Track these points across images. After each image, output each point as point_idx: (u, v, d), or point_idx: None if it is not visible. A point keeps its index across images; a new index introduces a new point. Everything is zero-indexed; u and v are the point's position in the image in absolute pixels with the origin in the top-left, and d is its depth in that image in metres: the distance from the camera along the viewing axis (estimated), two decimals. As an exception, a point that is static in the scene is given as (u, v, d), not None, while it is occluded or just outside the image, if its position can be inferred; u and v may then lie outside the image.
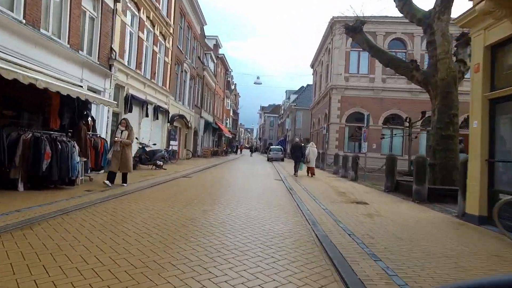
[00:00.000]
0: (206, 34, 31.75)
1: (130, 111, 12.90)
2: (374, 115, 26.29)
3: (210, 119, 33.94)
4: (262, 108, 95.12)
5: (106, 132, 11.31)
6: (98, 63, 10.60)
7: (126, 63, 12.94)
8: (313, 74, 40.37)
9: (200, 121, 29.11)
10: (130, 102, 12.80)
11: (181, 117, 21.19)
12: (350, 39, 26.81)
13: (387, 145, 26.93)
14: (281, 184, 12.40)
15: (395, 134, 24.62)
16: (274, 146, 35.79)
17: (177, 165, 17.43)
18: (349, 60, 26.86)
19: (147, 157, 13.56)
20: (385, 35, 26.43)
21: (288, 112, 51.37)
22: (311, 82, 49.57)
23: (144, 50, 14.90)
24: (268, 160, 33.91)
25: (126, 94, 12.82)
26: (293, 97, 49.67)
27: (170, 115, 18.83)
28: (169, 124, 18.75)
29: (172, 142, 20.44)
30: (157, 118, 16.52)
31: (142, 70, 14.87)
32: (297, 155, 17.14)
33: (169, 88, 18.70)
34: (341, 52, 26.74)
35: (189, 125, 24.45)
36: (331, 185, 12.55)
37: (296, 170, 16.87)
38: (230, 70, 42.96)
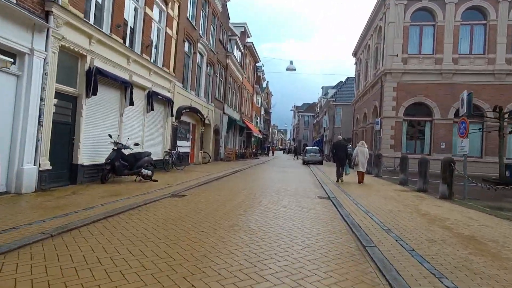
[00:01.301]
0: (232, 21, 27.18)
1: (95, 93, 8.37)
2: (442, 106, 20.08)
3: (236, 116, 29.27)
4: (296, 107, 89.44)
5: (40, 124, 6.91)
6: (16, 3, 6.11)
7: (88, 19, 8.43)
8: (355, 63, 34.37)
9: (222, 117, 24.50)
10: (94, 79, 8.27)
11: (194, 110, 16.61)
12: (409, 10, 20.87)
13: (456, 144, 20.53)
14: (331, 210, 7.22)
15: (476, 130, 18.31)
16: (311, 147, 30.34)
17: (184, 173, 12.83)
18: (408, 38, 20.84)
19: (124, 164, 8.97)
20: (458, 3, 20.11)
21: (326, 109, 45.51)
22: (349, 76, 43.40)
23: (128, 9, 10.39)
24: (303, 163, 28.58)
25: (90, 67, 8.32)
26: (331, 92, 43.80)
27: (175, 107, 14.27)
28: (173, 118, 14.18)
29: (181, 143, 15.91)
30: (152, 109, 11.97)
31: (125, 38, 10.37)
32: (341, 156, 13.41)
33: (174, 71, 14.16)
34: (398, 27, 20.78)
35: (207, 121, 19.86)
36: (417, 209, 7.15)
37: (339, 176, 13.28)
38: (260, 62, 38.21)
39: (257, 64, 45.81)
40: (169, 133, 13.98)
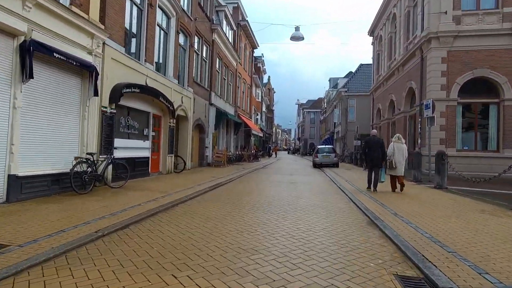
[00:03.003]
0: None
1: None
2: (514, 81, 13.96)
3: (229, 109, 23.33)
4: (300, 105, 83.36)
5: None
6: None
7: None
8: (372, 44, 28.27)
9: (209, 110, 18.58)
10: None
11: (151, 93, 10.70)
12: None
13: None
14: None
15: None
16: (323, 146, 24.27)
17: (109, 197, 6.90)
18: (460, -11, 14.75)
19: None
20: None
21: (336, 102, 39.39)
22: (362, 63, 37.34)
23: None
24: (314, 166, 22.57)
25: None
26: (341, 82, 37.67)
27: (107, 82, 8.37)
28: (103, 100, 8.28)
29: (129, 143, 10.01)
30: (30, 76, 6.04)
31: None
32: (375, 156, 9.24)
33: (102, 21, 8.25)
34: (445, -26, 14.69)
35: (180, 112, 13.96)
36: None
37: (371, 182, 9.33)
38: (258, 47, 32.29)
39: (256, 56, 39.96)
40: (94, 125, 8.05)
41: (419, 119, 15.74)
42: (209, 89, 18.64)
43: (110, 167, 8.22)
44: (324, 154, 22.17)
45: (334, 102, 40.53)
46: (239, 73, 26.46)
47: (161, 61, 12.48)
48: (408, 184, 11.38)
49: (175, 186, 9.19)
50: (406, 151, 9.28)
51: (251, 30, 28.91)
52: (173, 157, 13.24)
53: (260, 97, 38.82)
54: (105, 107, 8.37)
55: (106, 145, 8.37)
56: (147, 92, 10.49)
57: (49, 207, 5.74)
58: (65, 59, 6.80)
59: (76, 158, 7.07)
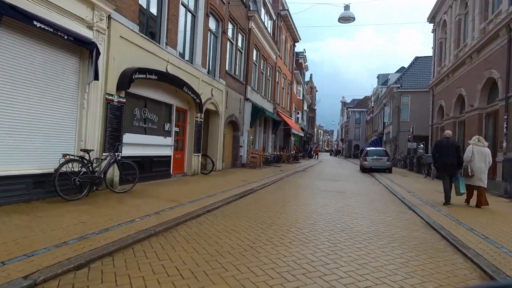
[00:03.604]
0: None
1: None
2: None
3: (268, 106, 21.42)
4: (344, 104, 79.05)
5: None
6: None
7: None
8: (433, 31, 24.60)
9: (244, 105, 16.83)
10: None
11: (172, 81, 9.12)
12: None
13: None
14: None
15: None
16: (373, 148, 21.36)
17: (103, 204, 5.23)
18: None
19: None
20: None
21: (386, 100, 35.70)
22: (417, 56, 33.36)
23: None
24: (363, 170, 19.86)
25: None
26: (393, 77, 33.95)
27: (116, 64, 6.86)
28: (107, 85, 6.78)
29: (145, 139, 8.50)
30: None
31: None
32: (451, 162, 7.37)
33: (107, -10, 6.74)
34: None
35: (210, 106, 12.32)
36: None
37: (448, 195, 7.37)
38: (300, 40, 29.95)
39: (298, 51, 37.66)
40: (95, 116, 6.57)
41: (505, 116, 12.50)
42: (245, 83, 16.87)
43: (114, 167, 6.67)
44: (375, 157, 19.35)
45: (384, 100, 36.81)
46: (279, 68, 24.45)
47: (187, 46, 10.90)
48: (496, 200, 8.62)
49: (194, 193, 7.45)
50: (490, 156, 7.41)
51: (293, 21, 26.74)
52: (200, 156, 11.60)
53: (301, 95, 36.44)
54: (111, 95, 6.86)
55: (112, 141, 6.86)
56: (168, 80, 8.91)
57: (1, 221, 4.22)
58: (51, 30, 5.33)
59: (64, 155, 5.57)
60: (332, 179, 13.68)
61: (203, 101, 11.35)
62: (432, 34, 24.83)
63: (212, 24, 12.56)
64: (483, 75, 14.90)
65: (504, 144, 12.60)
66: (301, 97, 36.33)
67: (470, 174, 7.18)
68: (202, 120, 11.64)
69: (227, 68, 14.30)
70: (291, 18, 26.04)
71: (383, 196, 9.16)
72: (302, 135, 34.68)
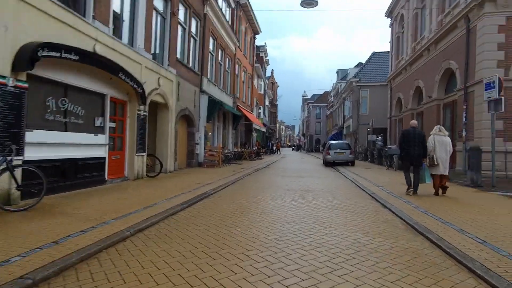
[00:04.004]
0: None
1: None
2: None
3: (227, 100, 19.98)
4: (305, 99, 79.75)
5: None
6: None
7: None
8: (391, 26, 24.69)
9: (200, 98, 15.27)
10: None
11: (103, 64, 7.36)
12: None
13: None
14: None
15: None
16: (336, 142, 20.84)
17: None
18: None
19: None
20: None
21: (346, 94, 35.86)
22: (375, 51, 33.82)
23: None
24: (326, 164, 19.30)
25: None
26: (352, 72, 34.10)
27: (13, 35, 5.03)
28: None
29: (57, 137, 6.68)
30: None
31: None
32: (416, 153, 7.52)
33: None
34: None
35: (157, 97, 10.65)
36: None
37: (411, 183, 7.63)
38: (260, 32, 28.76)
39: (258, 45, 36.53)
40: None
41: (464, 106, 12.29)
42: (200, 73, 15.29)
43: (7, 176, 4.90)
44: (338, 150, 18.80)
45: (344, 94, 37.01)
46: (239, 60, 23.08)
47: (125, 25, 9.15)
48: (464, 190, 8.14)
49: (129, 204, 5.90)
50: (451, 146, 7.60)
51: (253, 12, 25.45)
52: (145, 157, 9.92)
53: (262, 89, 35.43)
54: (3, 77, 5.05)
55: (3, 140, 5.06)
56: (97, 63, 7.17)
57: None
58: None
59: None
60: (296, 176, 12.67)
61: (147, 92, 9.68)
62: (390, 28, 24.93)
63: (158, 3, 10.83)
64: (441, 66, 14.77)
65: (464, 133, 12.41)
66: (262, 92, 35.30)
67: (436, 163, 7.27)
68: (147, 113, 9.95)
69: (178, 56, 12.64)
70: (251, 8, 24.73)
71: (353, 193, 8.24)
72: (264, 130, 33.71)
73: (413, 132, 7.62)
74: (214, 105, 15.86)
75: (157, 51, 11.12)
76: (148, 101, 9.92)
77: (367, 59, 33.82)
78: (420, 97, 18.46)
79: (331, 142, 20.39)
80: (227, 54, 20.10)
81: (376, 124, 26.20)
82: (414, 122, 8.19)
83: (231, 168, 14.94)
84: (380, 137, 25.21)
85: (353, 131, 31.57)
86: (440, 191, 7.48)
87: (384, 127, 26.58)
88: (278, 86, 66.48)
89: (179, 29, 12.84)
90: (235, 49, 21.73)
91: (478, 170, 8.92)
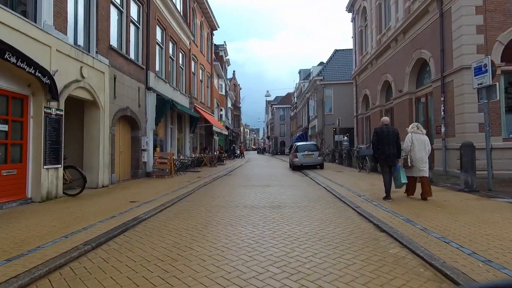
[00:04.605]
0: None
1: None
2: None
3: (181, 100, 17.65)
4: (268, 101, 78.89)
5: None
6: None
7: None
8: (352, 20, 23.88)
9: (146, 96, 12.88)
10: None
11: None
12: None
13: None
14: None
15: None
16: (303, 143, 19.30)
17: None
18: None
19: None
20: None
21: (310, 94, 34.90)
22: (337, 49, 33.27)
23: None
24: (293, 168, 17.71)
25: None
26: (315, 70, 33.18)
27: None
28: None
29: None
30: None
31: None
32: (391, 153, 6.85)
33: None
34: None
35: (80, 93, 8.18)
36: None
37: (388, 188, 6.85)
38: (218, 28, 26.71)
39: (218, 44, 34.49)
40: None
41: (442, 98, 11.18)
42: (146, 67, 12.91)
43: None
44: (306, 152, 17.24)
45: (307, 94, 36.06)
46: (195, 56, 20.84)
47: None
48: (459, 196, 6.75)
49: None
50: (429, 144, 6.90)
51: (209, 5, 23.35)
52: (61, 170, 7.42)
53: (224, 90, 33.34)
54: None
55: None
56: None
57: None
58: None
59: None
60: (261, 185, 10.75)
61: (61, 84, 7.25)
62: (352, 23, 24.13)
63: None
64: (412, 57, 13.72)
65: (443, 129, 11.29)
66: (223, 93, 33.22)
67: (409, 165, 6.60)
68: (62, 113, 7.46)
69: (112, 43, 10.22)
70: (207, 1, 22.62)
71: (333, 208, 6.47)
72: (227, 133, 31.59)
73: (387, 130, 6.88)
74: (164, 104, 13.52)
75: (79, 33, 8.67)
76: (63, 97, 7.47)
77: (329, 57, 33.09)
78: (389, 92, 17.52)
79: (298, 143, 18.81)
80: (180, 48, 17.82)
81: (342, 123, 25.23)
82: (386, 119, 7.32)
83: (186, 178, 12.70)
84: (346, 137, 24.27)
85: (318, 131, 30.53)
86: (421, 196, 6.68)
87: (350, 127, 25.72)
88: (241, 88, 64.72)
89: (113, 10, 10.44)
90: (190, 43, 19.50)
91: (473, 171, 7.59)
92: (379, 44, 17.82)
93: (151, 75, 13.32)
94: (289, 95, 60.46)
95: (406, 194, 7.11)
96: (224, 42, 36.33)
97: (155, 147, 13.68)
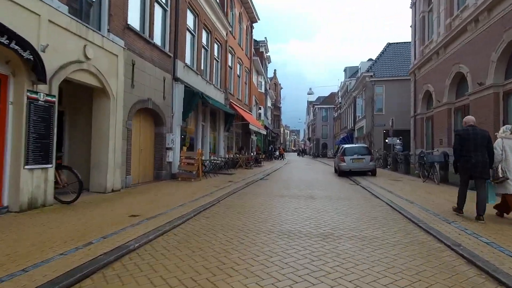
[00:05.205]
0: None
1: None
2: None
3: (215, 95, 16.03)
4: (310, 102, 75.82)
5: None
6: None
7: None
8: (412, 6, 20.60)
9: (173, 87, 11.36)
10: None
11: None
12: None
13: None
14: None
15: None
16: (352, 146, 16.63)
17: None
18: None
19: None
20: None
21: (357, 92, 31.77)
22: (390, 42, 29.87)
23: None
24: (339, 173, 15.24)
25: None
26: (364, 66, 29.99)
27: None
28: None
29: None
30: None
31: None
32: (479, 160, 5.30)
33: None
34: None
35: (68, 73, 6.68)
36: None
37: (464, 202, 5.62)
38: (258, 21, 24.89)
39: (259, 40, 32.78)
40: None
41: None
42: (173, 55, 11.37)
43: None
44: (355, 156, 14.69)
45: (354, 92, 32.89)
46: (232, 48, 19.18)
47: None
48: None
49: None
50: None
51: (249, -4, 21.59)
52: (51, 170, 5.91)
53: (263, 88, 31.47)
54: None
55: None
56: None
57: None
58: None
59: None
60: (303, 195, 8.58)
61: (55, 64, 5.78)
62: (411, 9, 20.87)
63: None
64: (502, 39, 10.64)
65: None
66: (263, 90, 31.35)
67: (503, 176, 5.09)
68: (55, 99, 5.97)
69: (130, 22, 8.72)
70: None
71: (416, 244, 4.15)
72: (265, 133, 29.67)
73: (474, 132, 5.45)
74: (193, 97, 11.88)
75: (85, 4, 7.22)
76: (58, 79, 5.98)
77: (380, 52, 29.71)
78: (461, 86, 14.34)
79: (346, 146, 16.22)
80: (216, 38, 16.20)
81: (398, 125, 22.05)
82: (471, 118, 5.76)
83: (215, 181, 10.94)
84: (399, 140, 21.08)
85: (367, 133, 27.38)
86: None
87: (403, 128, 22.47)
88: (281, 88, 62.57)
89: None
90: (227, 34, 17.85)
91: None
92: (450, 30, 14.67)
93: (180, 64, 11.77)
94: (332, 95, 57.08)
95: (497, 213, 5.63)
96: (265, 38, 34.49)
97: (183, 145, 12.12)
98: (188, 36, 12.99)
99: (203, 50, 14.68)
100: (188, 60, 12.94)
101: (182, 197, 7.36)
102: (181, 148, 11.72)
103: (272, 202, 7.40)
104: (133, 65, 8.79)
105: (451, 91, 15.04)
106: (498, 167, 5.22)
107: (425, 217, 5.55)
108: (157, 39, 10.42)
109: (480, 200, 5.21)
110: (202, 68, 14.57)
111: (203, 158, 12.70)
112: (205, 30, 14.85)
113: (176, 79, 11.49)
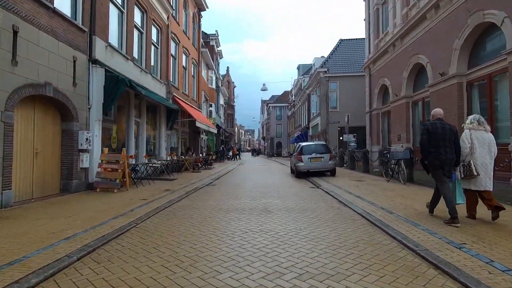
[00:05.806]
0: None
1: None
2: None
3: (154, 86, 13.46)
4: (264, 101, 75.03)
5: None
6: None
7: None
8: (365, 0, 19.92)
9: (91, 72, 8.71)
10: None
11: None
12: None
13: None
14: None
15: None
16: (311, 144, 15.07)
17: None
18: None
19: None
20: None
21: (311, 89, 30.92)
22: (342, 38, 29.48)
23: None
24: (296, 174, 13.66)
25: None
26: (318, 62, 29.17)
27: None
28: None
29: None
30: None
31: None
32: (448, 157, 4.76)
33: None
34: None
35: None
36: None
37: (454, 205, 4.58)
38: (207, 9, 22.57)
39: (209, 33, 30.39)
40: None
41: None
42: (88, 29, 8.73)
43: None
44: (313, 155, 13.21)
45: (308, 89, 32.07)
46: (175, 35, 16.68)
47: None
48: None
49: None
50: (495, 145, 4.79)
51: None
52: None
53: (214, 84, 29.17)
54: None
55: None
56: None
57: None
58: None
59: None
60: (256, 208, 6.64)
61: None
62: (364, 2, 20.19)
63: None
64: (466, 24, 9.77)
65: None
66: (214, 87, 29.04)
67: (474, 173, 4.57)
68: None
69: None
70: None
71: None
72: (215, 132, 27.42)
73: (442, 126, 4.83)
74: (117, 84, 9.32)
75: None
76: None
77: (333, 48, 29.15)
78: (420, 78, 13.61)
79: (303, 144, 14.69)
80: (153, 19, 13.65)
81: (354, 121, 21.29)
82: (439, 110, 5.17)
83: (147, 191, 8.56)
84: (353, 137, 20.32)
85: (322, 130, 26.52)
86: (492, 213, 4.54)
87: (359, 125, 21.83)
88: (235, 86, 60.61)
89: None
90: (168, 18, 15.33)
91: None
92: (407, 19, 13.86)
93: (100, 43, 9.15)
94: (286, 94, 56.56)
95: (467, 214, 4.95)
96: (216, 31, 32.18)
97: (103, 147, 9.49)
98: (114, 10, 10.39)
99: (136, 31, 12.10)
100: (114, 40, 10.33)
101: (80, 223, 4.98)
102: (102, 151, 9.11)
103: (212, 222, 5.32)
104: (15, 32, 6.13)
105: (409, 84, 14.30)
106: (470, 163, 4.64)
107: (423, 241, 3.93)
108: (62, 4, 7.75)
109: (445, 199, 4.65)
110: (135, 53, 11.99)
111: (133, 162, 10.19)
112: (139, 8, 12.27)
113: (93, 61, 8.88)
